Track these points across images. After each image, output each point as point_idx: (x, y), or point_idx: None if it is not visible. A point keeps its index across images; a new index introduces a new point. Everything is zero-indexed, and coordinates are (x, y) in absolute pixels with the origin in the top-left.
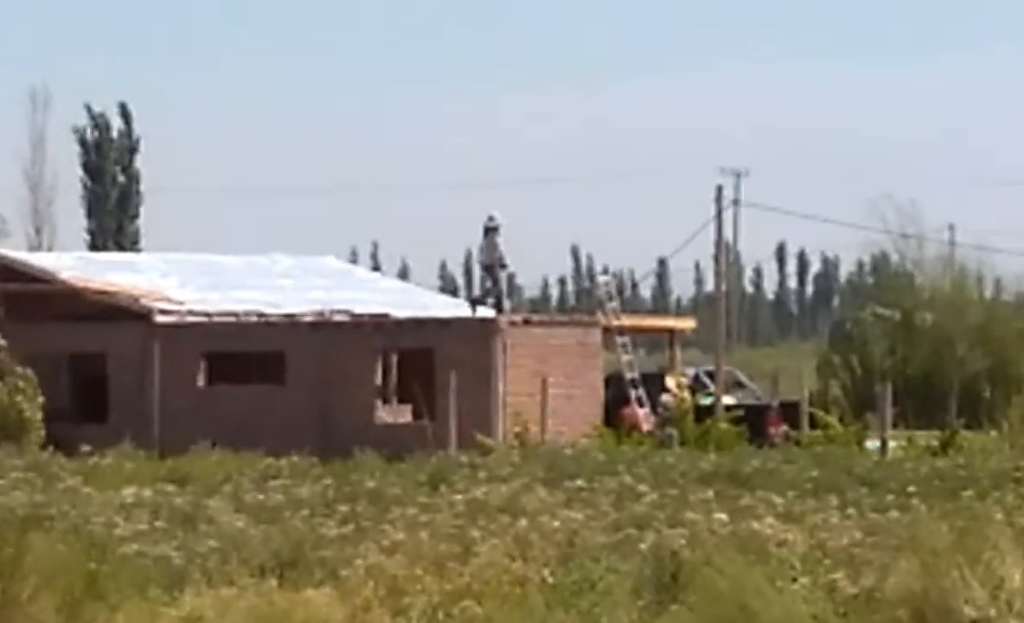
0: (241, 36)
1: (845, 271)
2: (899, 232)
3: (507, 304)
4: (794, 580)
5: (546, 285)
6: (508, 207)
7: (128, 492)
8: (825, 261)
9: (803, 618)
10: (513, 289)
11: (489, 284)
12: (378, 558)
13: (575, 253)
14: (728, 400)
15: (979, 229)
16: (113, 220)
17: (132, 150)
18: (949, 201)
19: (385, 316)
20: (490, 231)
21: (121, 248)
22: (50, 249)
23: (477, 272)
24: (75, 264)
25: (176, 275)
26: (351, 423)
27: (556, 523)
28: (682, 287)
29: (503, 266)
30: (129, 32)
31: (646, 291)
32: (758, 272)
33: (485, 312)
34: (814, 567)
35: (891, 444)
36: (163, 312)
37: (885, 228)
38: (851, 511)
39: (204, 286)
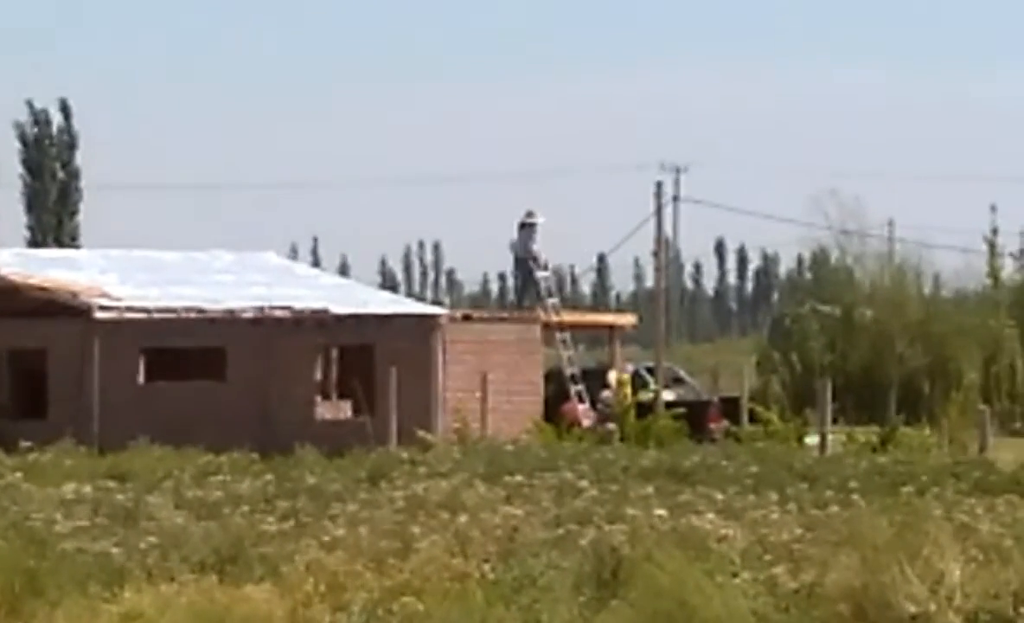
0: (181, 32)
1: (785, 267)
2: (840, 228)
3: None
4: (734, 575)
5: (486, 281)
6: (447, 203)
7: (68, 488)
8: (765, 257)
9: (743, 613)
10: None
11: (521, 280)
12: (318, 554)
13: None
14: (668, 396)
15: (919, 225)
16: (53, 216)
17: (72, 146)
18: (888, 197)
19: (325, 312)
20: (526, 226)
21: (61, 244)
22: None
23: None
24: (14, 260)
25: (116, 271)
26: (291, 419)
27: (496, 519)
28: (622, 283)
29: (535, 260)
30: (70, 28)
31: (586, 287)
32: (698, 268)
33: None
34: (754, 562)
35: (831, 440)
36: (103, 308)
37: (827, 224)
38: (791, 506)
39: (144, 282)
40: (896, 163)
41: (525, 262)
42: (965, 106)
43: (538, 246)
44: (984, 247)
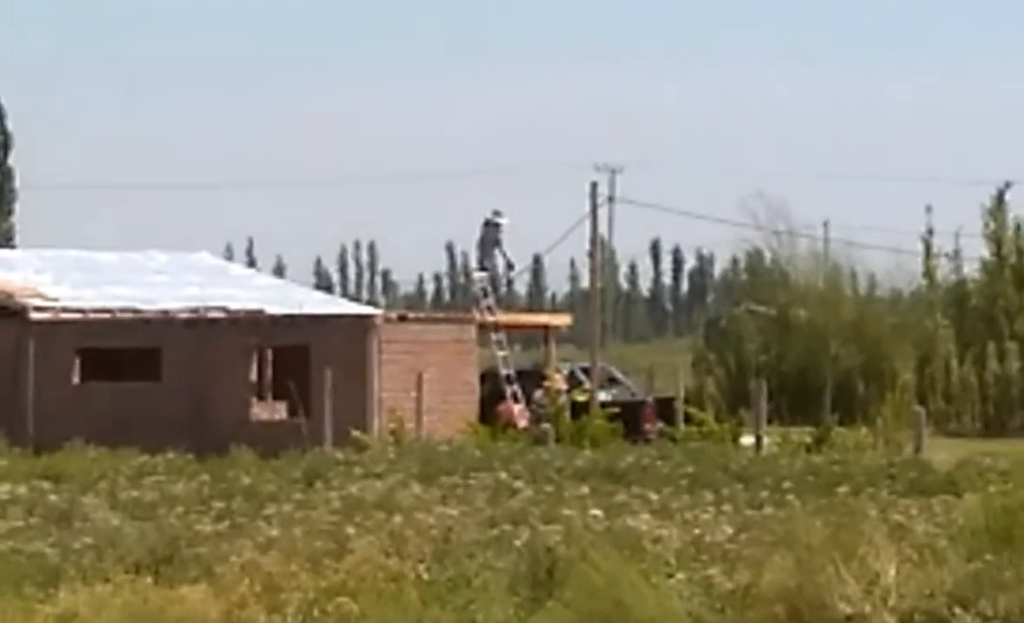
0: (116, 32)
1: (720, 268)
2: (771, 229)
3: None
4: (669, 576)
5: (421, 282)
6: (382, 204)
7: (2, 489)
8: (700, 258)
9: (678, 614)
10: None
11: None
12: (253, 555)
13: (450, 250)
14: (603, 396)
15: (851, 225)
16: None
17: (6, 147)
18: (821, 198)
19: (260, 313)
20: (490, 225)
21: None
22: None
23: (350, 271)
24: None
25: (51, 272)
26: (226, 420)
27: (431, 519)
28: (557, 284)
29: (481, 263)
30: (2, 28)
31: (521, 288)
32: (633, 269)
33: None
34: (689, 563)
35: (766, 440)
36: (37, 309)
37: (757, 225)
38: (726, 507)
39: (79, 283)
40: (829, 164)
41: (481, 260)
42: (898, 107)
43: (493, 246)
44: (916, 247)
